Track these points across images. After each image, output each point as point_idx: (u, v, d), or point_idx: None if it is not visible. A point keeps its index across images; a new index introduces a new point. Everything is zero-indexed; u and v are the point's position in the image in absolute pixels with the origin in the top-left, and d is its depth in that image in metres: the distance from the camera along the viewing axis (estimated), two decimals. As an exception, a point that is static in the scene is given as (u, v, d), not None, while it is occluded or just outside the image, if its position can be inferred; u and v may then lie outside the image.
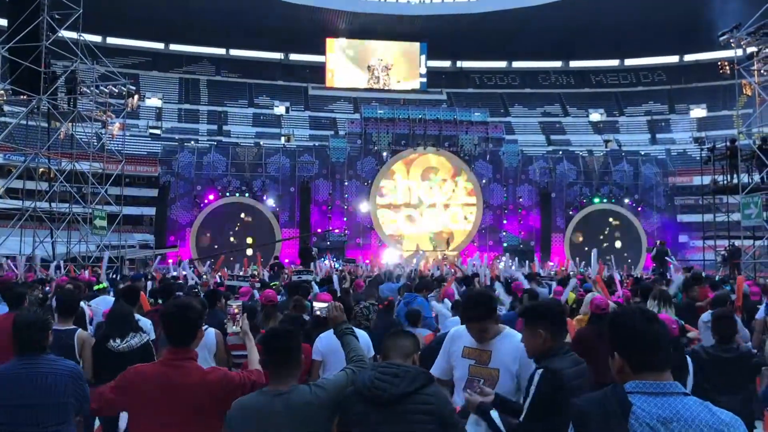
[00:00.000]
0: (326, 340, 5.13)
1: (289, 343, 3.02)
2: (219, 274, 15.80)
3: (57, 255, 23.50)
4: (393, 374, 2.93)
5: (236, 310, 4.05)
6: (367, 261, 29.21)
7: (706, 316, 7.15)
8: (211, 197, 35.74)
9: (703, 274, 13.45)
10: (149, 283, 11.59)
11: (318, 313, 4.05)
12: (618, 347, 2.31)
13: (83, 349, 5.28)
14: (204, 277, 14.99)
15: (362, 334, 5.50)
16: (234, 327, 4.03)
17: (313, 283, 9.63)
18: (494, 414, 3.15)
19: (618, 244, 36.08)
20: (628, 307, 2.40)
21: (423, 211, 37.44)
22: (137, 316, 6.21)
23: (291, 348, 3.02)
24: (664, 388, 2.18)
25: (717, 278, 13.60)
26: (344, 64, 58.99)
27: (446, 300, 8.31)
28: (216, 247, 32.63)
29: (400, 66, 59.45)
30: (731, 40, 22.75)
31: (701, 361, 5.00)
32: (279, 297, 8.23)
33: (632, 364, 2.25)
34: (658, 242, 28.95)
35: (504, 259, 27.40)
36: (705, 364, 4.99)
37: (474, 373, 3.70)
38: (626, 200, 38.07)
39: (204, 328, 4.68)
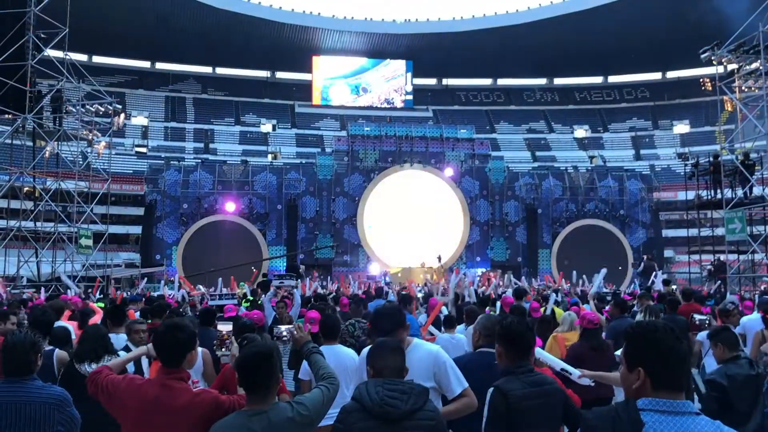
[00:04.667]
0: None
1: (262, 365, 2.98)
2: (199, 293, 15.54)
3: (42, 275, 23.30)
4: (401, 391, 3.00)
5: (225, 336, 4.01)
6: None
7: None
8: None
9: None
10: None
11: (285, 335, 4.00)
12: (643, 363, 2.23)
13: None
14: (190, 297, 14.86)
15: (350, 353, 5.46)
16: (224, 351, 3.98)
17: (295, 291, 9.46)
18: None
19: (603, 259, 36.19)
20: (658, 323, 2.38)
21: (409, 227, 37.40)
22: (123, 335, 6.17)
23: (265, 370, 2.98)
24: (677, 407, 2.15)
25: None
26: (330, 82, 59.26)
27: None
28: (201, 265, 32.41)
29: (386, 84, 59.78)
30: (712, 58, 23.06)
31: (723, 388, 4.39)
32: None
33: (655, 381, 2.21)
34: (645, 257, 29.17)
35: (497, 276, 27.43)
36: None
37: None
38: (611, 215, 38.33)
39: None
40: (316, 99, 59.22)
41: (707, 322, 6.48)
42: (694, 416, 2.15)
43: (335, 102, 59.12)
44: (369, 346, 3.56)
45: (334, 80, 59.16)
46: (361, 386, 3.10)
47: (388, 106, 59.17)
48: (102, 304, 10.36)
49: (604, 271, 10.47)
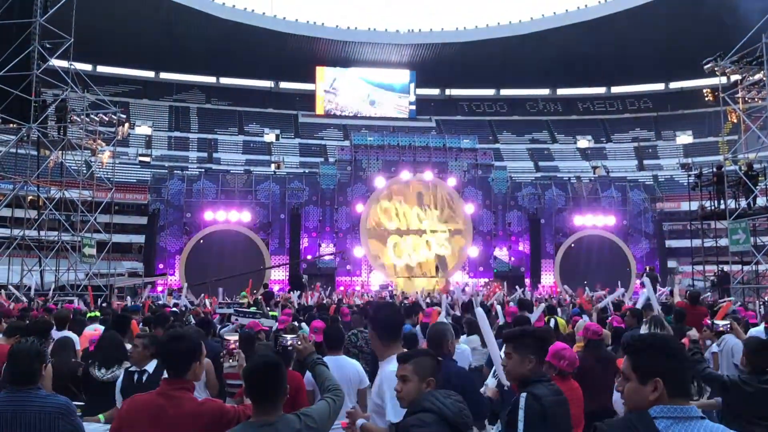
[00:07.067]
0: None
1: (270, 376, 2.97)
2: (210, 301, 15.61)
3: (45, 283, 23.33)
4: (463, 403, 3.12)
5: (233, 346, 4.00)
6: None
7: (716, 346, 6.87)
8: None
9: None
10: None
11: (290, 344, 3.99)
12: (661, 373, 2.27)
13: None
14: (193, 305, 14.86)
15: (354, 363, 5.45)
16: (232, 362, 3.98)
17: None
18: None
19: (607, 269, 36.06)
20: (666, 335, 2.46)
21: (409, 236, 37.30)
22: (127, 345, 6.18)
23: (273, 380, 2.98)
24: (687, 412, 2.23)
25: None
26: (334, 92, 59.45)
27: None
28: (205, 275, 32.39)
29: (390, 94, 59.94)
30: (715, 69, 23.08)
31: (741, 391, 4.61)
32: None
33: (670, 389, 2.26)
34: (647, 268, 29.08)
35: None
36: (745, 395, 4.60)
37: None
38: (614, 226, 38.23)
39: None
40: (320, 109, 59.39)
41: (728, 328, 6.42)
42: (700, 419, 2.23)
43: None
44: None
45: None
46: (445, 399, 3.02)
47: (391, 116, 59.31)
48: (96, 314, 10.35)
49: (647, 288, 10.19)
